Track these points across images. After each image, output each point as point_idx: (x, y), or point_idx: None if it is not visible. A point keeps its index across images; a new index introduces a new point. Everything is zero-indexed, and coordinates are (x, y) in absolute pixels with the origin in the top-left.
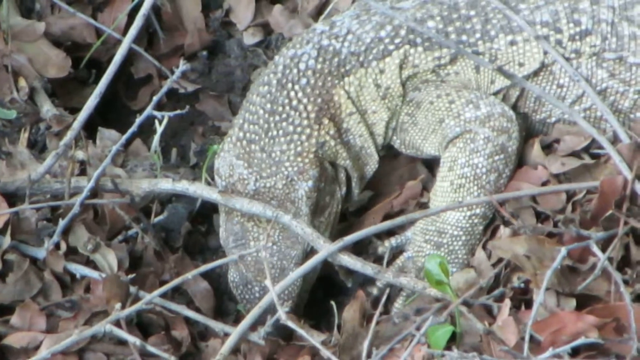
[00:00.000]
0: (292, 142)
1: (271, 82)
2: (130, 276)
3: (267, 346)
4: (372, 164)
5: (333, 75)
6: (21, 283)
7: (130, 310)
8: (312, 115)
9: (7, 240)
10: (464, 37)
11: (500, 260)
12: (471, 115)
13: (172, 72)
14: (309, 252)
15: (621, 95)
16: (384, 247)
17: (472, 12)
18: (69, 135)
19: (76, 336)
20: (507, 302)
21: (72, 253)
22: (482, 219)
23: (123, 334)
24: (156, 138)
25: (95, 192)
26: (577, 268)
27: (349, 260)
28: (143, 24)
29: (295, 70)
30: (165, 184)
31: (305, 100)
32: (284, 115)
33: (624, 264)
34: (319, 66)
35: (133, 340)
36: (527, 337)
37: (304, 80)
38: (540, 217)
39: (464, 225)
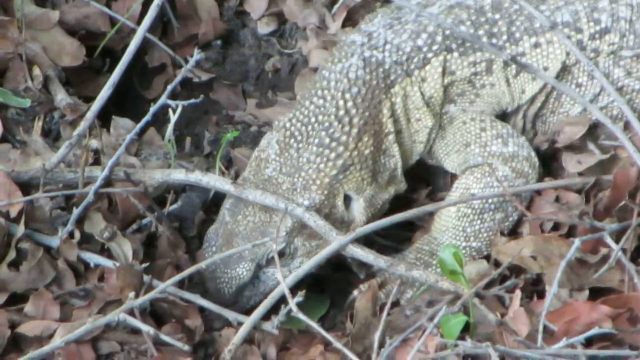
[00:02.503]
0: (319, 156)
1: (325, 97)
2: (144, 265)
3: (280, 335)
4: (401, 187)
5: (380, 87)
6: (35, 272)
7: (143, 299)
8: (355, 130)
9: (21, 229)
10: (494, 40)
11: None
12: (497, 150)
13: (187, 61)
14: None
15: (637, 94)
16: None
17: (497, 15)
18: (82, 125)
19: (90, 325)
20: (518, 293)
21: (86, 242)
22: (477, 253)
23: (137, 322)
24: (170, 127)
25: (109, 181)
26: (586, 262)
27: (362, 253)
28: (157, 13)
29: (345, 80)
30: (179, 175)
31: (353, 112)
32: (326, 124)
33: (637, 254)
34: (367, 77)
35: (147, 329)
36: (540, 328)
37: (355, 90)
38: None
39: None
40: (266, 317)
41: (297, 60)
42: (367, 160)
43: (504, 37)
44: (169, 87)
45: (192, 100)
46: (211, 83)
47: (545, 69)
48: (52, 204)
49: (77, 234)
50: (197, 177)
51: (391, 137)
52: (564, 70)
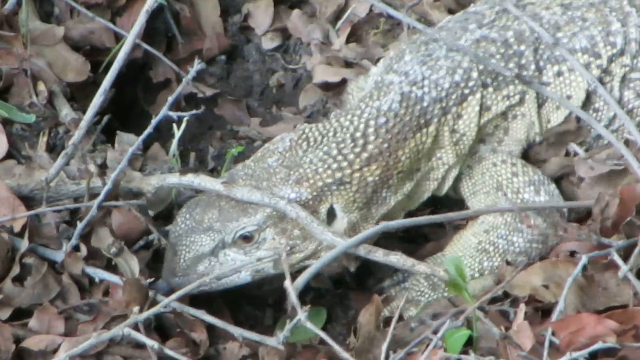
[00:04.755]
0: (322, 161)
1: (352, 120)
2: (150, 280)
3: (284, 350)
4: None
5: (411, 125)
6: (39, 287)
7: (148, 313)
8: (365, 154)
9: (25, 244)
10: (524, 72)
11: None
12: (529, 198)
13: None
14: None
15: None
16: (391, 280)
17: (523, 47)
18: (77, 134)
19: (94, 339)
20: (522, 307)
21: (91, 257)
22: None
23: (141, 337)
24: (175, 142)
25: (116, 196)
26: (596, 281)
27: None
28: (154, 26)
29: (376, 111)
30: (173, 179)
31: (371, 138)
32: (339, 139)
33: None
34: (401, 111)
35: (151, 343)
36: (547, 343)
37: (382, 120)
38: None
39: None
40: (270, 332)
41: (301, 76)
42: (367, 187)
43: (532, 67)
44: (170, 99)
45: (194, 112)
46: (215, 98)
47: (569, 97)
48: (57, 219)
49: (84, 249)
50: (190, 179)
51: (401, 175)
52: (589, 98)
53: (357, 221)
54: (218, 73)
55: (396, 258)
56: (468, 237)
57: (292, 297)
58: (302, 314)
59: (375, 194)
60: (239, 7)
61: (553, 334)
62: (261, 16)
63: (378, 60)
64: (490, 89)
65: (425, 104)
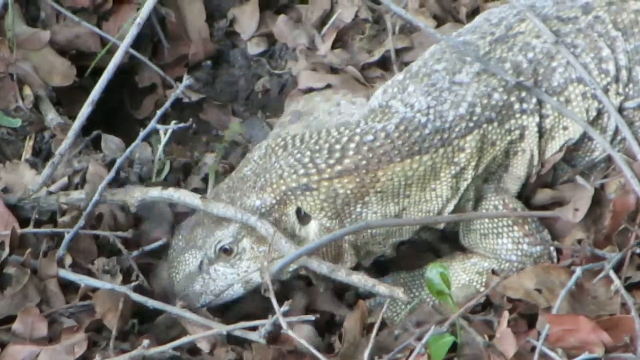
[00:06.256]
0: (290, 167)
1: (342, 132)
2: (134, 283)
3: (269, 354)
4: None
5: (402, 150)
6: (19, 297)
7: (155, 350)
8: (339, 167)
9: (5, 252)
10: (525, 106)
11: None
12: (528, 250)
13: (176, 81)
14: None
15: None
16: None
17: (522, 78)
18: (64, 144)
19: None
20: (506, 314)
21: (76, 265)
22: None
23: None
24: (160, 148)
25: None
26: (585, 286)
27: (310, 262)
28: (147, 33)
29: (367, 128)
30: (154, 192)
31: (349, 153)
32: (316, 148)
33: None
34: (394, 134)
35: None
36: (539, 345)
37: (368, 138)
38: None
39: None
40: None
41: (286, 81)
42: (337, 198)
43: (534, 101)
44: (159, 112)
45: (182, 125)
46: (201, 103)
47: (565, 128)
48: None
49: (69, 259)
50: (170, 193)
51: (379, 195)
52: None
53: (331, 227)
54: (204, 78)
55: (358, 278)
56: (457, 271)
57: (271, 295)
58: (283, 322)
59: (348, 207)
60: (225, 12)
61: (547, 338)
62: (247, 21)
63: (363, 67)
64: (496, 124)
65: (427, 131)
